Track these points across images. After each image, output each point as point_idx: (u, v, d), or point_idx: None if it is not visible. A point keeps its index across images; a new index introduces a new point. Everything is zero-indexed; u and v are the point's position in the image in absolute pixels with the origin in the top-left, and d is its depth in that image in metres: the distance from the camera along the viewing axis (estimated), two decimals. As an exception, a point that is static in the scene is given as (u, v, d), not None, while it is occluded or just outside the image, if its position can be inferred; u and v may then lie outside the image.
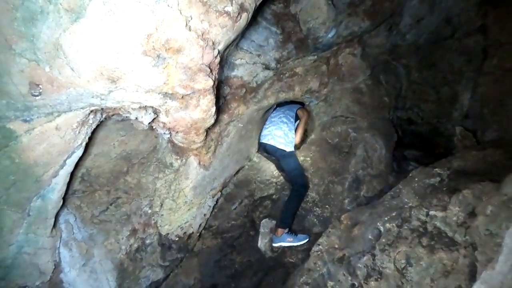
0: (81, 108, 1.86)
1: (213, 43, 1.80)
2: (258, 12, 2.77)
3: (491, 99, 3.64)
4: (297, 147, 3.60)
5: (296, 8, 2.99)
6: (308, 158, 3.56)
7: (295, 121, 3.68)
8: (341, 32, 3.29)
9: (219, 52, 1.89)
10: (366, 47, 3.81)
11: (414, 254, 1.88)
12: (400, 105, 4.59)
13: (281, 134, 3.45)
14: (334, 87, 3.66)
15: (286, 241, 3.03)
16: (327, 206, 3.22)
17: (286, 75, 3.32)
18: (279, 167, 3.62)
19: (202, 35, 1.72)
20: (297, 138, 3.57)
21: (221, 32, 1.82)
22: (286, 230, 3.08)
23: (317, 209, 3.23)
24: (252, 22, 2.74)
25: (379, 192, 3.28)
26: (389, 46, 4.11)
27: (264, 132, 3.60)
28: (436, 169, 2.39)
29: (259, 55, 2.95)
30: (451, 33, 4.10)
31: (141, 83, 1.76)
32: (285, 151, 3.38)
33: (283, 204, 3.27)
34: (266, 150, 3.60)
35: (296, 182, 3.28)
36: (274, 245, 3.09)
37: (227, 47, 2.12)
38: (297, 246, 3.01)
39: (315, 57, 3.38)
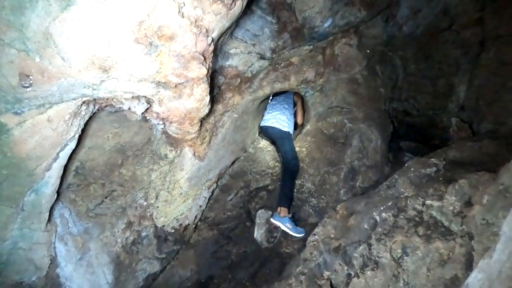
0: (73, 99, 1.81)
1: (206, 31, 1.76)
2: (253, 0, 2.72)
3: (487, 91, 3.62)
4: (300, 125, 4.00)
5: (291, -3, 2.94)
6: (304, 149, 3.55)
7: (293, 107, 3.95)
8: (338, 22, 3.24)
9: (213, 40, 1.85)
10: (363, 38, 3.78)
11: (410, 243, 1.89)
12: (396, 97, 4.57)
13: (285, 119, 3.64)
14: (330, 78, 3.64)
15: (285, 225, 3.02)
16: (322, 196, 3.21)
17: (282, 65, 3.28)
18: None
19: (195, 22, 1.67)
20: (300, 118, 3.95)
21: (215, 19, 1.78)
22: (289, 214, 3.09)
23: (313, 199, 3.23)
24: (247, 11, 2.69)
25: (374, 183, 3.29)
26: (386, 37, 4.08)
27: (267, 116, 3.75)
28: (432, 159, 2.39)
29: (254, 45, 2.90)
30: (448, 25, 4.07)
31: (134, 72, 1.72)
32: (288, 132, 3.57)
33: (280, 184, 3.35)
34: (268, 133, 3.73)
35: (291, 162, 3.40)
36: (273, 221, 3.08)
37: (221, 35, 2.07)
38: (291, 235, 3.01)
39: (311, 47, 3.34)
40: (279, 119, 3.62)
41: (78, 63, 1.55)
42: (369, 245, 2.00)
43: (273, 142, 3.83)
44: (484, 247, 1.55)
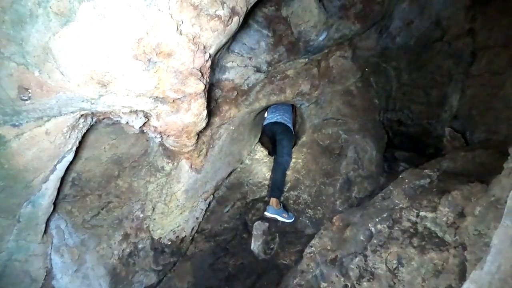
0: (71, 112, 1.84)
1: (204, 47, 1.80)
2: (249, 15, 2.77)
3: (479, 101, 3.67)
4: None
5: (287, 11, 3.00)
6: (300, 160, 3.58)
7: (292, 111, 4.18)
8: (332, 35, 3.30)
9: (210, 56, 1.90)
10: (357, 50, 3.83)
11: (405, 254, 1.90)
12: (390, 107, 4.60)
13: (288, 117, 3.93)
14: (325, 90, 3.68)
15: (281, 216, 3.16)
16: (319, 207, 3.23)
17: (278, 77, 3.33)
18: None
19: (193, 39, 1.72)
20: None
21: (212, 36, 1.82)
22: (281, 204, 3.25)
23: (309, 210, 3.24)
24: (244, 25, 2.74)
25: (370, 193, 3.30)
26: (379, 48, 4.14)
27: (271, 115, 3.95)
28: (426, 170, 2.42)
29: (250, 58, 2.95)
30: (440, 36, 4.12)
31: (132, 87, 1.75)
32: (291, 129, 3.81)
33: (271, 177, 3.52)
34: (273, 129, 3.86)
35: (284, 158, 3.54)
36: (268, 215, 3.17)
37: (218, 51, 2.12)
38: (286, 222, 3.18)
39: (306, 59, 3.40)
40: (283, 115, 3.85)
41: (77, 78, 1.57)
42: (365, 256, 2.01)
43: (273, 140, 3.91)
44: (476, 258, 1.57)
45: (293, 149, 3.74)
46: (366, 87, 3.96)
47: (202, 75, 1.88)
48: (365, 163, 3.46)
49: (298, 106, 3.87)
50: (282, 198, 3.36)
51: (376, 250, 1.99)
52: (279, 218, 3.17)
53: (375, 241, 2.03)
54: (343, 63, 3.70)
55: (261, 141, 4.25)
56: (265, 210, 3.24)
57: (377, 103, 4.02)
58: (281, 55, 3.15)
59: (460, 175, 2.43)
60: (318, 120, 3.73)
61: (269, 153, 4.07)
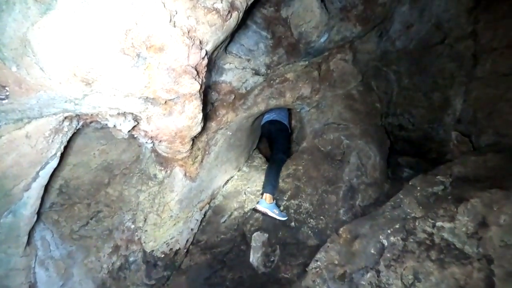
0: (54, 114, 1.67)
1: (200, 42, 1.64)
2: (248, 15, 2.65)
3: (485, 103, 3.59)
4: None
5: (287, 12, 2.89)
6: (300, 167, 3.41)
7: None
8: (333, 37, 3.22)
9: (206, 53, 1.73)
10: (357, 53, 3.75)
11: (422, 269, 1.74)
12: (391, 111, 4.54)
13: (285, 114, 3.95)
14: (326, 93, 3.56)
15: (272, 211, 3.08)
16: (321, 217, 3.05)
17: (277, 81, 3.19)
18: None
19: (188, 32, 1.56)
20: None
21: (210, 30, 1.67)
22: (274, 200, 3.20)
23: (311, 220, 3.06)
24: (242, 25, 2.62)
25: (374, 201, 3.16)
26: (379, 52, 4.07)
27: (268, 114, 3.88)
28: (438, 176, 2.28)
29: (248, 60, 2.82)
30: (441, 39, 4.08)
31: (119, 86, 1.58)
32: (287, 128, 3.86)
33: (267, 171, 3.48)
34: (270, 127, 3.83)
35: (279, 154, 3.58)
36: (259, 208, 3.11)
37: (215, 49, 1.97)
38: (277, 219, 3.08)
39: (306, 62, 3.30)
40: (279, 114, 3.83)
41: (58, 75, 1.41)
42: (378, 271, 1.85)
43: (270, 139, 3.93)
44: (506, 272, 1.42)
45: (292, 156, 3.60)
46: (367, 91, 3.86)
47: (198, 73, 1.71)
48: (369, 169, 3.31)
49: (297, 110, 3.73)
50: (281, 208, 3.19)
51: (390, 265, 1.82)
52: (270, 213, 3.08)
53: (388, 254, 1.86)
54: (344, 66, 3.59)
55: (258, 147, 4.11)
56: (264, 220, 3.07)
57: (379, 108, 3.92)
58: (281, 57, 3.03)
59: (474, 181, 2.31)
60: (319, 125, 3.58)
61: (267, 159, 3.93)
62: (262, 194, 3.25)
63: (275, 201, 3.22)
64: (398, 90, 4.46)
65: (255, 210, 3.17)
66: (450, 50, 4.03)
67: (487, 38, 3.67)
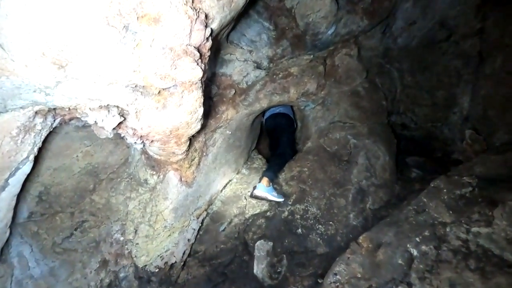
0: (21, 107, 1.37)
1: (206, 17, 1.33)
2: (250, 5, 2.40)
3: (496, 101, 3.47)
4: None
5: (292, 1, 2.70)
6: (305, 169, 3.17)
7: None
8: (340, 30, 3.08)
9: (212, 32, 1.44)
10: (361, 49, 3.59)
11: (461, 280, 1.52)
12: (395, 110, 4.41)
13: (288, 109, 3.76)
14: (332, 90, 3.35)
15: (271, 194, 3.01)
16: (330, 222, 2.81)
17: (280, 75, 2.96)
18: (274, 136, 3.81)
19: (192, 2, 1.25)
20: None
21: (217, 5, 1.37)
22: (271, 183, 3.10)
23: (320, 226, 2.81)
24: (244, 14, 2.37)
25: (385, 204, 2.96)
26: (382, 49, 3.97)
27: (273, 108, 3.67)
28: (465, 177, 2.05)
29: (250, 51, 2.60)
30: (446, 36, 3.98)
31: (101, 70, 1.27)
32: (293, 122, 3.74)
33: (272, 157, 3.47)
34: (275, 121, 3.68)
35: (287, 149, 3.47)
36: (257, 193, 3.01)
37: (221, 30, 1.68)
38: (275, 201, 3.02)
39: (311, 56, 3.11)
40: (285, 107, 3.68)
41: (23, 55, 1.11)
42: (410, 284, 1.60)
43: (273, 135, 3.78)
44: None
45: (296, 157, 3.37)
46: (373, 88, 3.69)
47: (201, 57, 1.41)
48: (378, 170, 3.11)
49: (301, 108, 3.49)
50: (286, 213, 2.93)
51: (424, 277, 1.58)
52: (270, 197, 2.99)
53: (421, 266, 1.63)
54: (349, 61, 3.41)
55: (258, 147, 3.92)
56: (267, 227, 2.82)
57: (385, 105, 3.74)
58: (285, 50, 2.82)
59: (499, 181, 2.12)
60: (325, 123, 3.37)
61: (268, 161, 3.75)
62: (260, 179, 3.13)
63: (271, 185, 3.10)
64: (401, 88, 4.36)
65: (254, 196, 3.05)
66: (455, 47, 3.93)
67: (497, 35, 3.57)
